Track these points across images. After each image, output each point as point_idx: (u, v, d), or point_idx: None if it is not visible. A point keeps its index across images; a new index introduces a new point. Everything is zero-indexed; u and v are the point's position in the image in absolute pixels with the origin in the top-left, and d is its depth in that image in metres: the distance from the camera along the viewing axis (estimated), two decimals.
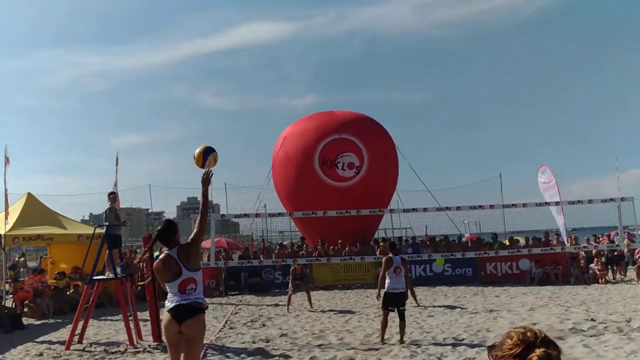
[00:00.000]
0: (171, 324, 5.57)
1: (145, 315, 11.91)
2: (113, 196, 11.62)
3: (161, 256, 5.69)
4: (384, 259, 10.75)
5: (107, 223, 11.03)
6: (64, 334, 12.11)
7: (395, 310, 10.29)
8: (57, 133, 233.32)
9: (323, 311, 14.94)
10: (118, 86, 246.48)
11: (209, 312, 15.58)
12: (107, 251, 10.97)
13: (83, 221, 29.76)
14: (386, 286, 10.40)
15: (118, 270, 11.17)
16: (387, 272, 10.40)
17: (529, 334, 1.69)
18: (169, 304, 5.69)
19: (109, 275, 11.11)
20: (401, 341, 10.21)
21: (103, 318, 14.54)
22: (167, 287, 5.74)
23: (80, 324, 11.07)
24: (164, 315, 5.69)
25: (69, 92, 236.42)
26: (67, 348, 10.55)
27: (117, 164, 22.22)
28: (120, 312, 11.52)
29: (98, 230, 12.42)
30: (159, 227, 5.83)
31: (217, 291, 20.47)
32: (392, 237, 26.89)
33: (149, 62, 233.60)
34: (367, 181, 22.79)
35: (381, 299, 10.56)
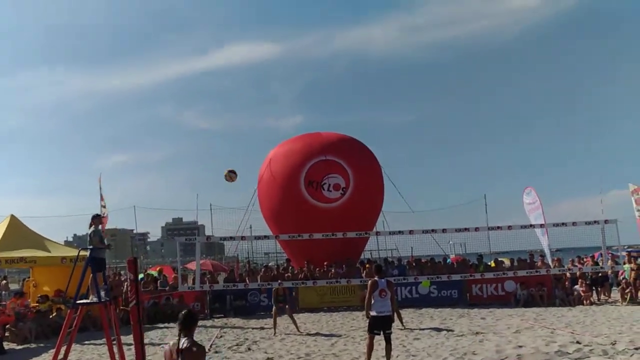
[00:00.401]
0: None
1: (130, 339, 11.76)
2: (98, 218, 11.51)
3: (170, 346, 5.35)
4: (369, 282, 10.71)
5: (91, 246, 10.91)
6: (46, 358, 11.96)
7: (381, 333, 10.25)
8: (41, 153, 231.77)
9: (309, 334, 14.85)
10: (104, 106, 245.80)
11: (194, 335, 15.45)
12: (91, 274, 10.84)
13: (67, 242, 29.58)
14: (372, 309, 10.37)
15: (102, 293, 11.04)
16: (372, 295, 10.38)
17: None
18: None
19: (92, 299, 10.97)
20: None
21: (86, 342, 14.37)
22: None
23: (63, 348, 10.90)
24: None
25: (55, 112, 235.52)
26: None
27: (100, 187, 22.19)
28: (103, 336, 11.37)
29: (82, 253, 12.29)
30: (184, 313, 5.57)
31: (202, 314, 20.28)
32: (378, 258, 26.87)
33: (135, 82, 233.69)
34: (353, 202, 22.81)
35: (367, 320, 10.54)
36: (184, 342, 5.27)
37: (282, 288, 16.26)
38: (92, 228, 10.99)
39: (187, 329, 5.43)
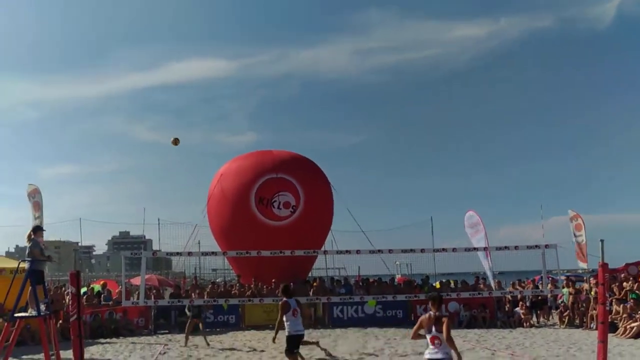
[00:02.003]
0: None
1: (70, 354, 11.52)
2: (39, 231, 11.29)
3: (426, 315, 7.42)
4: (280, 303, 10.89)
5: (30, 258, 10.69)
6: None
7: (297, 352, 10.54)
8: None
9: (254, 350, 14.81)
10: (51, 116, 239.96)
11: (136, 351, 15.24)
12: (31, 287, 10.63)
13: (8, 254, 28.75)
14: (287, 330, 10.54)
15: (42, 307, 10.82)
16: (285, 316, 10.54)
17: None
18: None
19: (31, 312, 10.74)
20: None
21: (24, 357, 14.00)
22: None
23: None
24: None
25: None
26: None
27: (33, 197, 21.61)
28: (42, 350, 11.11)
29: (22, 265, 12.04)
30: (435, 295, 7.56)
31: (146, 329, 19.99)
32: (325, 277, 26.94)
33: (85, 94, 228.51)
34: (303, 221, 22.90)
35: (278, 341, 10.74)
36: (435, 313, 7.32)
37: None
38: (32, 239, 10.79)
39: (438, 305, 7.44)
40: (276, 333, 10.63)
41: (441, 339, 7.23)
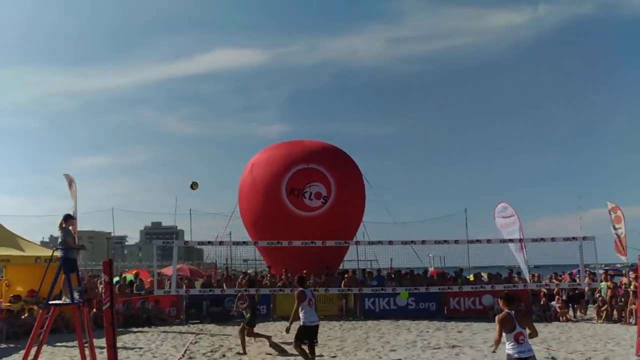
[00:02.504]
0: None
1: (102, 342, 11.56)
2: (70, 219, 11.32)
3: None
4: (296, 292, 10.80)
5: (63, 246, 10.72)
6: (16, 359, 11.71)
7: (307, 343, 10.39)
8: (20, 152, 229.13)
9: (285, 342, 14.71)
10: (86, 107, 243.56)
11: (167, 340, 15.28)
12: (64, 275, 10.66)
13: (43, 243, 29.12)
14: (302, 319, 10.45)
15: (75, 295, 10.86)
16: (301, 305, 10.45)
17: None
18: None
19: (65, 300, 10.78)
20: None
21: (58, 344, 14.12)
22: None
23: (34, 349, 10.70)
24: None
25: (35, 111, 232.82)
26: None
27: (70, 187, 21.81)
28: (75, 338, 11.16)
29: (56, 253, 12.10)
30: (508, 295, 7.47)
31: (178, 319, 20.08)
32: (357, 269, 26.79)
33: (118, 84, 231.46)
34: (334, 212, 22.76)
35: (292, 332, 10.61)
36: (512, 310, 7.44)
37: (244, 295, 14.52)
38: (64, 228, 10.81)
39: (512, 304, 7.49)
40: (291, 323, 10.54)
41: (525, 335, 7.23)
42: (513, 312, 7.39)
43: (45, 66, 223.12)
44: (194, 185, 17.67)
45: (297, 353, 10.70)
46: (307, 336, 10.34)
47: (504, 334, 7.31)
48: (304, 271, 21.30)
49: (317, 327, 10.53)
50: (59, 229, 10.94)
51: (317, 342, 10.54)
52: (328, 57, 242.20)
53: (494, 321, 18.85)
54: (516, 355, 7.18)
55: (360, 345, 13.99)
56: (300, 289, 10.78)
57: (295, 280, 11.45)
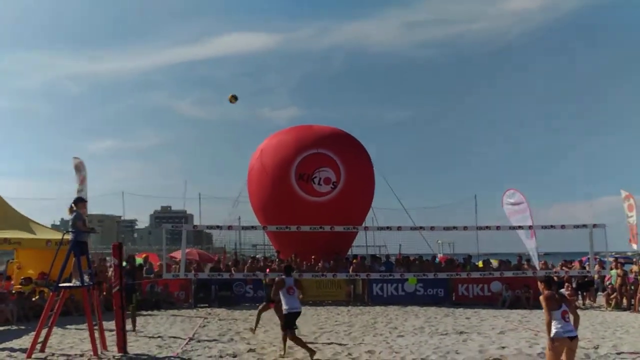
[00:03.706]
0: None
1: (112, 325, 11.66)
2: (81, 202, 11.37)
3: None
4: (276, 279, 11.07)
5: (74, 229, 10.78)
6: (26, 341, 11.82)
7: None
8: (31, 135, 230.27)
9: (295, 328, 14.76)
10: (95, 90, 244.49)
11: (176, 324, 15.38)
12: (74, 258, 10.73)
13: (54, 226, 29.30)
14: (283, 307, 10.59)
15: (85, 277, 10.93)
16: (280, 292, 10.62)
17: None
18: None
19: (75, 282, 10.86)
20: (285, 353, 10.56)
21: (68, 326, 14.23)
22: None
23: (44, 331, 10.80)
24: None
25: (44, 95, 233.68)
26: (29, 356, 10.27)
27: (79, 170, 21.85)
28: (86, 320, 11.25)
29: (67, 236, 12.17)
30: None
31: (187, 303, 20.20)
32: (366, 254, 26.82)
33: (128, 68, 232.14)
34: (343, 197, 22.75)
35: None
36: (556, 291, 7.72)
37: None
38: (75, 212, 10.86)
39: (551, 287, 7.63)
40: (266, 302, 11.19)
41: (569, 313, 7.43)
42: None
43: (54, 50, 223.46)
44: (232, 99, 17.44)
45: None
46: (294, 322, 10.45)
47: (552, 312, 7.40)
48: (313, 256, 21.45)
49: (298, 313, 10.66)
50: (70, 212, 11.01)
51: (296, 327, 10.67)
52: (340, 41, 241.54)
53: (502, 308, 18.92)
54: (565, 335, 7.28)
55: (368, 331, 14.01)
56: (282, 276, 10.92)
57: (283, 268, 11.59)
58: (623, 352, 10.75)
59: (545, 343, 11.67)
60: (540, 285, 7.75)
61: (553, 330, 7.31)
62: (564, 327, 7.29)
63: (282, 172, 23.05)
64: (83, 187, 21.65)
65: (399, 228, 20.77)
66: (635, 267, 20.78)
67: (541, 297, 7.54)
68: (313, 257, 21.57)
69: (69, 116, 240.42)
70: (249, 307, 18.98)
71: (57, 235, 16.82)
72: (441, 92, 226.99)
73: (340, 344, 12.00)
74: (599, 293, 21.42)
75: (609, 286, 19.98)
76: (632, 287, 19.03)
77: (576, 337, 7.36)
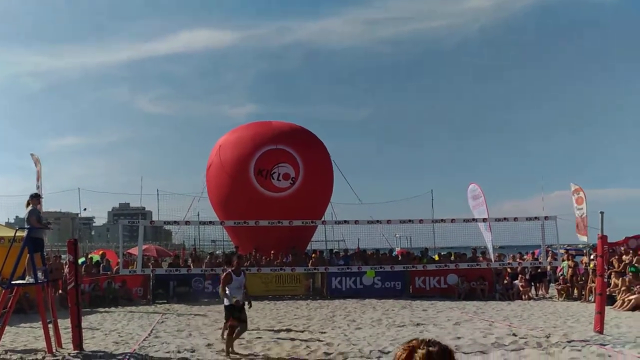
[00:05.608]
0: None
1: (67, 322, 11.51)
2: (37, 198, 11.20)
3: None
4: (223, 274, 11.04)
5: (28, 226, 10.62)
6: None
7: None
8: None
9: (251, 322, 14.80)
10: (55, 87, 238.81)
11: (134, 320, 15.25)
12: (28, 255, 10.57)
13: (8, 224, 28.61)
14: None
15: (39, 274, 10.78)
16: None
17: (414, 342, 1.78)
18: None
19: (29, 279, 10.70)
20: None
21: (22, 325, 14.00)
22: None
23: None
24: None
25: (3, 91, 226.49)
26: None
27: (36, 165, 21.50)
28: (40, 318, 11.09)
29: (19, 233, 11.97)
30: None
31: (145, 299, 20.02)
32: (325, 249, 26.96)
33: (88, 64, 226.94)
34: (302, 192, 22.83)
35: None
36: None
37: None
38: (30, 207, 10.70)
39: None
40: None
41: None
42: None
43: (13, 45, 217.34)
44: None
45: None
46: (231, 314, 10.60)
47: None
48: (272, 251, 21.50)
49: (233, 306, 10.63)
50: (26, 207, 10.85)
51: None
52: (299, 39, 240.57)
53: (458, 299, 19.31)
54: None
55: (327, 324, 14.12)
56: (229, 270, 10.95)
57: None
58: (573, 340, 11.07)
59: (499, 333, 11.99)
60: None
61: None
62: None
63: (241, 168, 23.00)
64: (39, 183, 21.29)
65: (356, 222, 21.03)
66: (585, 259, 21.41)
67: None
68: (272, 252, 21.60)
69: (26, 113, 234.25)
70: (208, 302, 18.90)
71: (10, 233, 16.48)
72: (398, 89, 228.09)
73: (299, 338, 12.08)
74: (551, 284, 21.96)
75: (561, 277, 20.52)
76: (583, 278, 19.58)
77: None
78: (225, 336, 11.02)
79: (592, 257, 19.68)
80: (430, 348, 1.73)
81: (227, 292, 10.68)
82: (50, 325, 10.68)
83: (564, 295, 19.79)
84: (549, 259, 20.78)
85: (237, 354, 10.36)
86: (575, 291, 19.78)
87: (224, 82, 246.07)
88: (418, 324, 13.84)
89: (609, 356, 9.42)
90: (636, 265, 17.64)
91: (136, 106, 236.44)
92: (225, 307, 10.66)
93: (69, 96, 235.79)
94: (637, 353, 9.69)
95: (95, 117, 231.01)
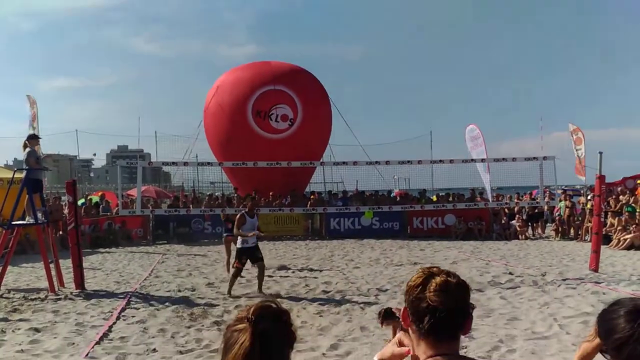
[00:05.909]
0: None
1: (68, 262, 11.63)
2: (35, 139, 11.14)
3: None
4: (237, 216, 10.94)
5: (26, 167, 10.60)
6: None
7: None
8: None
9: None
10: (47, 27, 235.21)
11: (135, 260, 15.42)
12: (27, 196, 10.59)
13: (7, 166, 28.65)
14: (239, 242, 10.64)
15: (39, 215, 10.82)
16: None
17: (434, 269, 1.77)
18: None
19: (29, 220, 10.76)
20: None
21: (24, 265, 14.15)
22: None
23: None
24: None
25: None
26: None
27: (32, 107, 21.30)
28: (42, 258, 11.20)
29: (17, 175, 11.97)
30: None
31: (145, 240, 20.20)
32: (323, 191, 27.05)
33: (81, 3, 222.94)
34: (301, 134, 22.72)
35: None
36: None
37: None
38: (28, 149, 10.66)
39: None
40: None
41: None
42: None
43: None
44: None
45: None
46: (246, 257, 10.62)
47: None
48: (271, 192, 21.55)
49: (250, 249, 10.61)
50: (23, 149, 10.80)
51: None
52: None
53: (456, 239, 19.43)
54: None
55: (325, 263, 14.31)
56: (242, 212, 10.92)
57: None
58: (568, 279, 11.23)
59: (495, 272, 12.14)
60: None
61: None
62: None
63: (239, 109, 22.81)
64: (35, 124, 21.14)
65: (355, 163, 20.89)
66: (582, 199, 21.54)
67: None
68: (271, 193, 21.66)
69: (19, 53, 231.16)
70: (208, 243, 19.13)
71: (8, 174, 16.49)
72: (396, 27, 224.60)
73: (298, 277, 12.24)
74: (548, 224, 22.13)
75: (558, 217, 20.66)
76: (579, 218, 19.73)
77: None
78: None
79: (589, 197, 19.77)
80: (450, 278, 1.73)
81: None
82: (51, 265, 10.79)
83: (561, 234, 19.98)
84: (547, 199, 20.85)
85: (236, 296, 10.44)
86: (572, 231, 19.96)
87: (223, 21, 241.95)
88: (415, 263, 14.00)
89: (603, 294, 9.56)
90: (633, 205, 17.76)
91: (132, 47, 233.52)
92: (238, 249, 10.63)
93: (61, 37, 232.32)
94: (631, 290, 9.83)
95: (91, 58, 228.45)
